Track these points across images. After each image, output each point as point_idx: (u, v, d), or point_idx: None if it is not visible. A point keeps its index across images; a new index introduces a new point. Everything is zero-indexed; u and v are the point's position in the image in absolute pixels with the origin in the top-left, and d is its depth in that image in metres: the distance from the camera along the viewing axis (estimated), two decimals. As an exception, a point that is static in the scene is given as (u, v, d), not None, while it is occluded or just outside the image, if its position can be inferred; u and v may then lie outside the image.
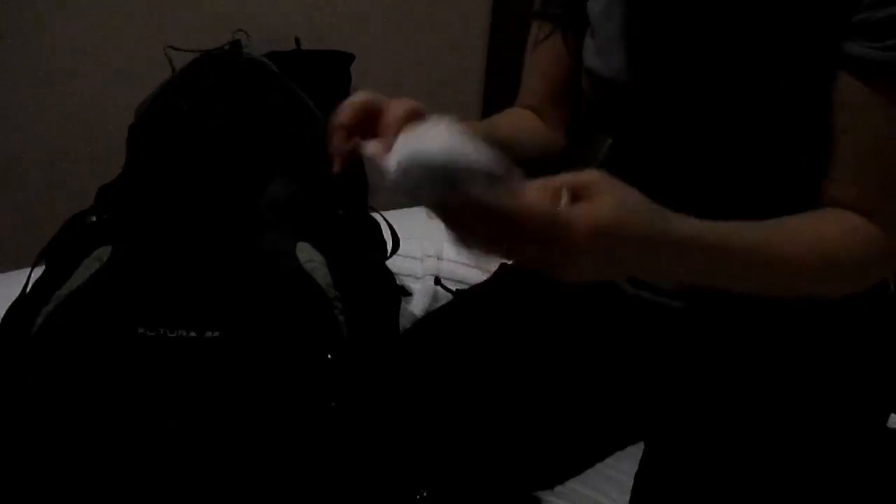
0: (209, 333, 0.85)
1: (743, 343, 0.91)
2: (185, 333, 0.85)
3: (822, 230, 0.77)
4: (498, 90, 2.21)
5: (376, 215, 1.18)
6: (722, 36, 0.83)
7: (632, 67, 0.88)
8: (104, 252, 0.90)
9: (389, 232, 1.19)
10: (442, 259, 1.39)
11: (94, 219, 0.96)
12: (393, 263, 1.18)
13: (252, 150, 0.98)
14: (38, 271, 0.98)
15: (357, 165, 1.15)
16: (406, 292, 1.28)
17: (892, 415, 0.98)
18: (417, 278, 1.34)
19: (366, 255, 1.08)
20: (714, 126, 0.85)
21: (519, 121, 1.05)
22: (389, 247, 1.18)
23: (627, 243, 0.66)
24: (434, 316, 1.11)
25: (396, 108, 0.70)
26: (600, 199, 0.65)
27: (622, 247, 0.66)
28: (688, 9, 0.84)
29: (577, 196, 0.65)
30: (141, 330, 0.84)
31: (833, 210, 0.79)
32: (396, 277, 1.18)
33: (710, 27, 0.83)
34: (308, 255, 0.94)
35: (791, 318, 0.88)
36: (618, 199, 0.66)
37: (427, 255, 1.39)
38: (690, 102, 0.85)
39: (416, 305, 1.28)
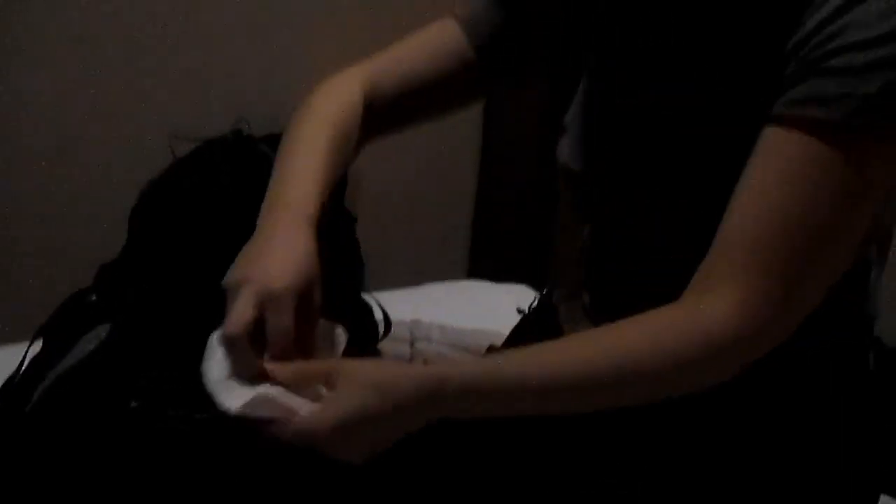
0: (199, 416, 0.86)
1: (735, 407, 0.91)
2: (178, 413, 0.85)
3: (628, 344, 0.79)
4: (494, 161, 2.20)
5: (367, 297, 1.20)
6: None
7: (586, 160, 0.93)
8: (103, 330, 0.91)
9: (381, 314, 1.20)
10: (432, 342, 1.40)
11: (94, 297, 0.98)
12: (383, 346, 1.19)
13: (251, 232, 1.00)
14: (36, 348, 0.99)
15: (353, 248, 1.16)
16: (396, 374, 1.28)
17: (882, 496, 0.99)
18: (407, 361, 1.35)
19: (357, 337, 1.10)
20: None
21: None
22: (381, 329, 1.20)
23: (381, 422, 0.75)
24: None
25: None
26: (339, 390, 0.76)
27: (375, 425, 0.75)
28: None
29: (329, 384, 0.77)
30: (134, 404, 0.85)
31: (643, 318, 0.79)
32: (386, 359, 1.19)
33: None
34: (302, 337, 0.95)
35: (780, 390, 0.90)
36: (356, 385, 0.76)
37: (417, 338, 1.40)
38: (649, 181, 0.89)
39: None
